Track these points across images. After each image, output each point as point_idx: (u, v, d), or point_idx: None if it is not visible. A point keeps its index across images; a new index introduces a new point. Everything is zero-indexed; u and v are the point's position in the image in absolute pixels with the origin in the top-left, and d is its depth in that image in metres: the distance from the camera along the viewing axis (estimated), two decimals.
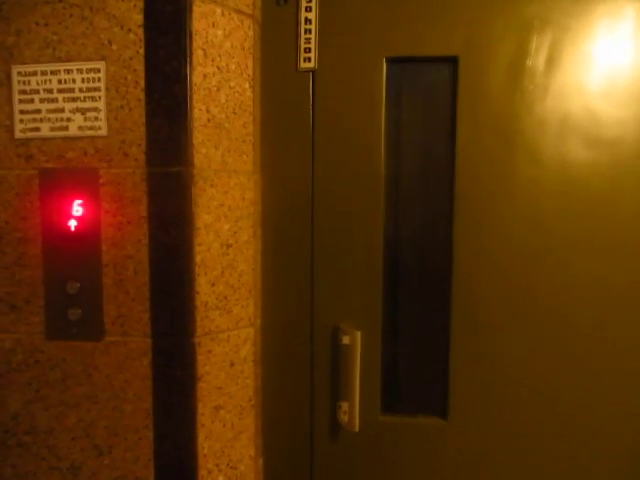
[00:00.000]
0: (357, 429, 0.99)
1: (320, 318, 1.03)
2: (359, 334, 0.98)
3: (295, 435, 1.05)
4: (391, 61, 0.98)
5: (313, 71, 0.99)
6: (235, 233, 0.95)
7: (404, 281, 1.03)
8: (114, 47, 0.87)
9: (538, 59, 0.95)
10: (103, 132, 0.88)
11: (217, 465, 0.94)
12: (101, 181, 0.88)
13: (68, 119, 0.88)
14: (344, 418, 1.01)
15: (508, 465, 1.02)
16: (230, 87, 0.92)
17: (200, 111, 0.88)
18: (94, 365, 0.90)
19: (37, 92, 0.88)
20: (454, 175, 0.98)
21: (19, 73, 0.88)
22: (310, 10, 0.97)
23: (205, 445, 0.92)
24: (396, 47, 0.97)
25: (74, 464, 0.92)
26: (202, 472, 0.91)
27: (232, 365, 0.95)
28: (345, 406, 1.01)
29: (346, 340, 0.99)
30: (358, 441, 1.04)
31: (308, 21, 0.97)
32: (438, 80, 0.99)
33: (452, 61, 0.97)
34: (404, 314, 1.03)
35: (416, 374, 1.05)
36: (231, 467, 0.96)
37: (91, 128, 0.88)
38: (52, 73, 0.88)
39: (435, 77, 0.99)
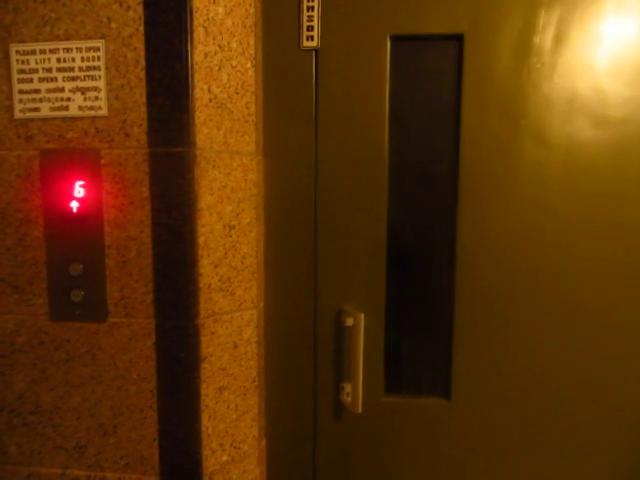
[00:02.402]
0: (360, 410, 1.00)
1: (323, 300, 1.02)
2: (362, 316, 0.98)
3: (298, 416, 1.05)
4: (395, 39, 0.96)
5: (316, 50, 0.97)
6: (238, 215, 0.94)
7: (408, 263, 1.02)
8: (113, 25, 0.85)
9: (546, 36, 0.93)
10: (104, 112, 0.87)
11: (221, 445, 0.95)
12: (102, 162, 0.88)
13: (68, 99, 0.87)
14: (347, 399, 1.02)
15: (511, 444, 1.03)
16: (232, 66, 0.91)
17: (202, 90, 0.87)
18: (98, 346, 0.91)
19: (36, 71, 0.87)
20: (459, 156, 0.97)
21: (17, 52, 0.87)
22: None
23: (209, 425, 0.92)
24: (401, 25, 0.95)
25: (79, 443, 0.93)
26: (206, 452, 0.92)
27: (235, 347, 0.96)
28: (348, 387, 1.01)
29: (349, 322, 0.99)
30: (361, 422, 1.04)
31: None
32: (443, 59, 0.97)
33: (458, 39, 0.95)
34: (407, 296, 1.03)
35: (419, 355, 1.05)
36: (235, 447, 0.97)
37: (91, 108, 0.87)
38: (51, 52, 0.87)
39: (440, 56, 0.97)
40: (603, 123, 0.94)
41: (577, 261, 0.98)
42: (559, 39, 0.93)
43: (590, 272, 0.98)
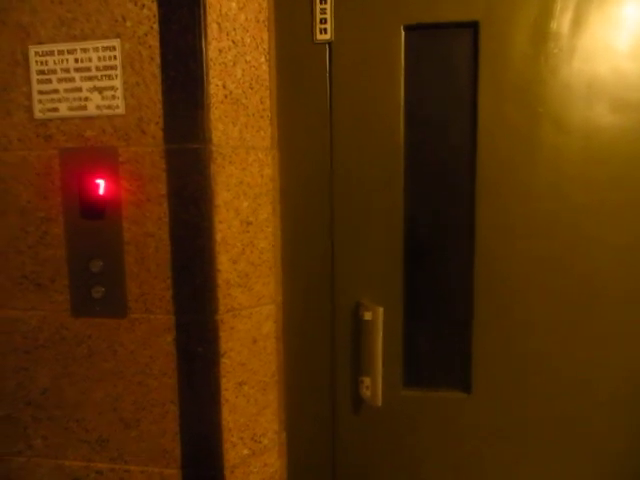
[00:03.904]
0: (380, 404, 0.99)
1: (341, 294, 1.02)
2: (381, 310, 0.98)
3: (318, 410, 1.05)
4: (409, 29, 0.95)
5: (329, 43, 0.97)
6: (254, 210, 0.94)
7: (425, 255, 1.02)
8: (128, 23, 0.86)
9: (563, 21, 0.91)
10: (120, 110, 0.88)
11: (241, 438, 0.95)
12: (120, 159, 0.89)
13: (86, 98, 0.88)
14: (366, 393, 1.01)
15: (533, 439, 1.01)
16: (246, 61, 0.91)
17: (217, 87, 0.87)
18: (119, 341, 0.92)
19: (54, 72, 0.89)
20: (476, 145, 0.96)
21: (36, 53, 0.88)
22: None
23: (229, 419, 0.93)
24: (414, 14, 0.94)
25: (102, 436, 0.94)
26: (227, 445, 0.93)
27: (255, 342, 0.96)
28: (367, 381, 1.01)
29: (368, 316, 0.99)
30: (380, 415, 1.04)
31: None
32: (458, 47, 0.95)
33: (473, 26, 0.94)
34: (426, 288, 1.02)
35: (438, 348, 1.04)
36: (255, 441, 0.97)
37: (109, 107, 0.88)
38: (69, 52, 0.88)
39: (455, 44, 0.96)
40: (623, 107, 0.92)
41: (598, 247, 0.95)
42: (577, 23, 0.91)
43: (611, 258, 0.95)
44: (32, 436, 0.96)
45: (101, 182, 0.88)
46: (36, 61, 0.89)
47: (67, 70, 0.88)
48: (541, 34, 0.92)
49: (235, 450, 0.94)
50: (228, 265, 0.91)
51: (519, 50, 0.93)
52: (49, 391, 0.94)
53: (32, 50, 0.88)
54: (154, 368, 0.92)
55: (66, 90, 0.89)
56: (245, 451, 0.96)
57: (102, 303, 0.91)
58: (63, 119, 0.89)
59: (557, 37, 0.92)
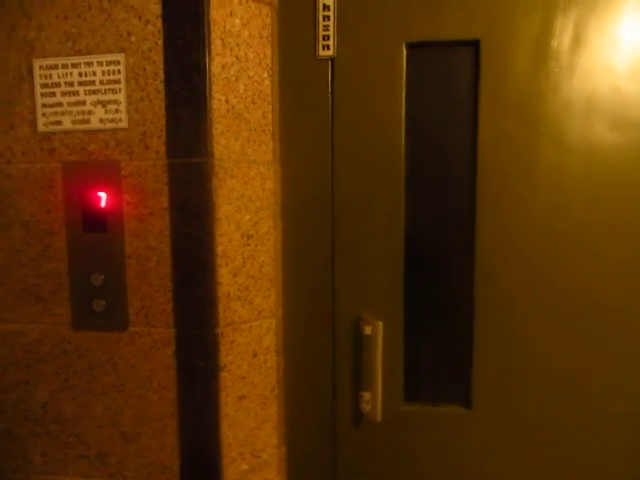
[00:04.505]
0: (380, 419, 0.99)
1: (342, 308, 1.02)
2: (381, 324, 0.98)
3: (318, 425, 1.05)
4: (411, 46, 0.96)
5: (332, 59, 0.98)
6: (256, 224, 0.95)
7: (426, 270, 1.02)
8: (133, 39, 0.87)
9: (563, 39, 0.92)
10: (124, 124, 0.88)
11: (241, 454, 0.95)
12: (123, 173, 0.89)
13: (89, 112, 0.89)
14: (366, 408, 1.01)
15: (533, 454, 1.01)
16: (249, 77, 0.92)
17: (219, 101, 0.88)
18: (119, 355, 0.92)
19: (58, 85, 0.89)
20: (476, 162, 0.96)
21: (41, 67, 0.89)
22: None
23: (229, 434, 0.92)
24: (416, 32, 0.95)
25: (101, 451, 0.94)
26: (226, 460, 0.92)
27: (255, 355, 0.96)
28: (367, 396, 1.00)
29: (368, 330, 0.99)
30: (381, 430, 1.04)
31: (326, 8, 0.96)
32: (460, 64, 0.97)
33: (474, 44, 0.95)
34: (426, 303, 1.02)
35: (439, 363, 1.04)
36: (255, 456, 0.97)
37: (112, 120, 0.89)
38: (73, 66, 0.89)
39: (456, 62, 0.97)
40: (623, 125, 0.92)
41: (597, 264, 0.96)
42: (577, 42, 0.92)
43: (611, 275, 0.96)
44: (31, 452, 0.95)
45: (103, 195, 0.89)
46: (40, 75, 0.89)
47: (71, 84, 0.89)
48: (541, 52, 0.93)
49: (234, 465, 0.94)
50: (229, 278, 0.91)
51: (520, 68, 0.94)
52: (48, 405, 0.94)
53: (36, 64, 0.89)
54: (154, 382, 0.92)
55: (70, 104, 0.89)
56: (244, 466, 0.95)
57: (103, 316, 0.91)
58: (66, 132, 0.90)
59: (557, 55, 0.93)
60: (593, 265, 0.96)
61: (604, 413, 0.99)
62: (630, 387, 0.98)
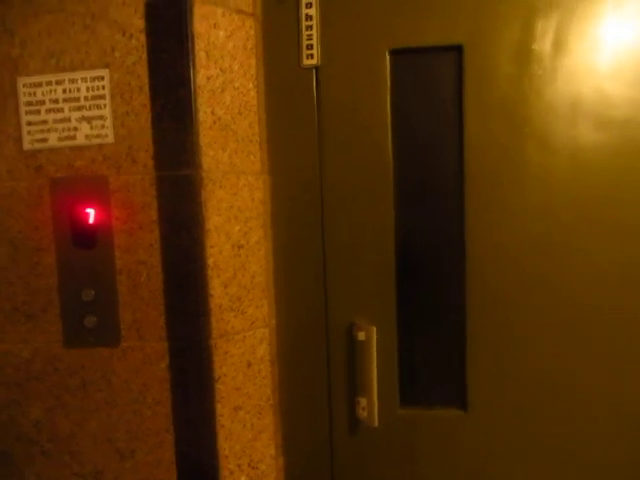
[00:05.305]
0: (376, 424, 0.99)
1: (335, 315, 1.02)
2: (374, 329, 0.98)
3: (315, 433, 1.05)
4: (395, 53, 0.97)
5: (316, 67, 0.98)
6: (246, 234, 0.95)
7: (417, 274, 1.02)
8: (117, 54, 0.87)
9: (545, 43, 0.93)
10: (110, 139, 0.88)
11: (239, 465, 0.94)
12: (111, 188, 0.89)
13: (75, 128, 0.89)
14: (363, 413, 1.01)
15: (529, 456, 1.01)
16: (234, 88, 0.92)
17: (205, 113, 0.88)
18: (112, 370, 0.91)
19: (43, 103, 0.89)
20: (463, 166, 0.97)
21: (25, 85, 0.88)
22: (311, 6, 0.96)
23: (226, 446, 0.92)
24: (399, 39, 0.96)
25: (97, 469, 0.93)
26: (224, 473, 0.92)
27: (249, 365, 0.96)
28: (363, 402, 1.00)
29: (361, 336, 0.99)
30: (378, 435, 1.04)
31: (309, 17, 0.96)
32: (444, 70, 0.97)
33: (457, 50, 0.96)
34: (419, 307, 1.03)
35: (434, 366, 1.04)
36: (252, 467, 0.96)
37: (98, 136, 0.88)
38: (57, 83, 0.88)
39: (440, 67, 0.97)
40: (607, 125, 0.94)
41: (586, 263, 0.97)
42: (558, 45, 0.93)
43: (600, 274, 0.97)
44: (26, 473, 0.94)
45: (92, 211, 0.88)
46: (24, 92, 0.89)
47: (56, 101, 0.89)
48: (524, 56, 0.94)
49: (232, 477, 0.93)
50: (220, 290, 0.91)
51: (503, 72, 0.94)
52: (41, 424, 0.93)
53: (20, 82, 0.88)
54: (148, 396, 0.91)
55: (55, 120, 0.89)
56: (242, 478, 0.95)
57: (95, 333, 0.90)
58: (52, 149, 0.89)
59: (540, 58, 0.94)
60: (582, 266, 0.97)
61: (601, 412, 1.00)
62: (625, 384, 0.99)
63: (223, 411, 0.92)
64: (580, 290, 0.97)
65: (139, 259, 0.89)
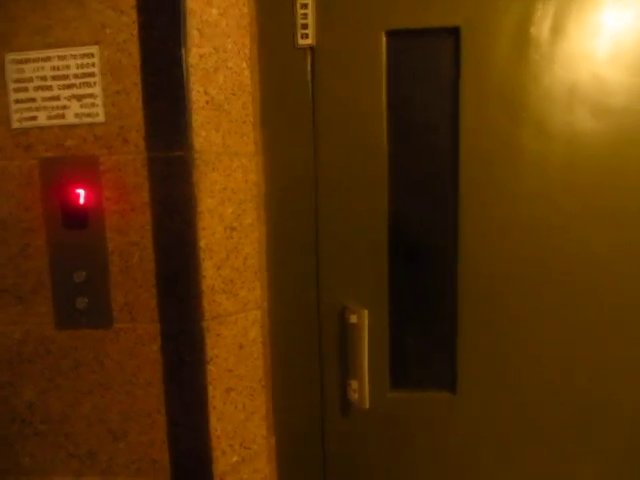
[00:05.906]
0: (367, 406, 1.01)
1: (327, 298, 1.03)
2: (366, 312, 0.99)
3: (306, 414, 1.06)
4: (391, 34, 0.95)
5: (311, 47, 0.96)
6: (239, 216, 0.94)
7: (410, 258, 1.02)
8: (108, 30, 0.84)
9: (543, 28, 0.92)
10: (101, 118, 0.87)
11: (231, 446, 0.95)
12: (102, 168, 0.87)
13: (64, 107, 0.87)
14: (354, 396, 1.02)
15: (519, 438, 1.03)
16: (228, 67, 0.90)
17: (198, 93, 0.87)
18: (105, 352, 0.91)
19: (31, 80, 0.87)
20: (459, 150, 0.97)
21: (12, 61, 0.86)
22: None
23: (218, 427, 0.93)
24: (396, 20, 0.94)
25: (91, 449, 0.94)
26: (216, 453, 0.93)
27: (241, 347, 0.96)
28: (355, 384, 1.02)
29: (353, 319, 0.99)
30: (368, 418, 1.05)
31: None
32: (440, 52, 0.96)
33: (454, 32, 0.94)
34: (411, 290, 1.03)
35: (424, 349, 1.05)
36: (244, 447, 0.98)
37: (88, 115, 0.87)
38: (45, 60, 0.86)
39: (437, 49, 0.96)
40: (604, 112, 0.93)
41: (581, 249, 0.97)
42: (557, 30, 0.92)
43: (595, 260, 0.97)
44: (20, 453, 0.95)
45: (83, 192, 0.87)
46: (11, 69, 0.86)
47: (44, 78, 0.87)
48: (522, 40, 0.93)
49: (225, 458, 0.94)
50: (213, 271, 0.91)
51: (500, 56, 0.93)
52: (35, 405, 0.93)
53: (8, 58, 0.86)
54: (140, 377, 0.91)
55: (44, 99, 0.87)
56: (235, 458, 0.96)
57: (87, 314, 0.90)
58: (42, 128, 0.87)
59: (537, 43, 0.92)
60: (577, 252, 0.97)
61: (588, 397, 1.01)
62: (613, 371, 1.00)
63: (215, 392, 0.92)
64: (576, 274, 0.98)
65: (131, 240, 0.89)
